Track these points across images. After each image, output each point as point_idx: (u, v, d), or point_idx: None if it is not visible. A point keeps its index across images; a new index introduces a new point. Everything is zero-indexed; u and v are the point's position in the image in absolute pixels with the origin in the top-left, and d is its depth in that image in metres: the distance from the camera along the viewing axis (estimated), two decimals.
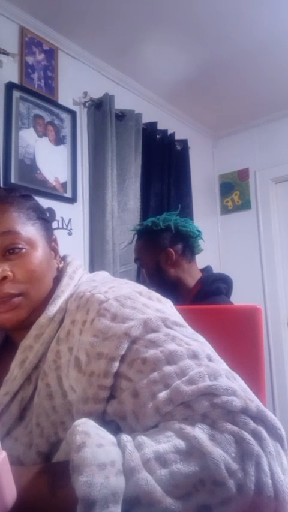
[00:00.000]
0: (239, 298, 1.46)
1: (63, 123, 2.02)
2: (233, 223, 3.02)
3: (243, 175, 3.00)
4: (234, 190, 3.04)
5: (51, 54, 2.00)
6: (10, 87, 1.80)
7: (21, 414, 0.62)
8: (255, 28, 2.03)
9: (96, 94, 2.13)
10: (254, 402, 0.48)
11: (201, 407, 0.48)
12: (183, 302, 1.44)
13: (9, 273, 0.64)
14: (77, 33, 2.04)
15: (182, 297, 1.47)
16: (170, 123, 2.61)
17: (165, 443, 0.44)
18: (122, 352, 0.54)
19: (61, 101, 2.02)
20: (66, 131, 2.03)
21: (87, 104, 2.14)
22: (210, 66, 2.32)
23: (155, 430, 0.48)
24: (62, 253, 0.77)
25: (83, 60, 2.17)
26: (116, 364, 0.54)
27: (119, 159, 2.14)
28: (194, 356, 0.53)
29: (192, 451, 0.44)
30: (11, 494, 0.43)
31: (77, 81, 2.13)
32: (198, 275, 1.51)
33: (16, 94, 1.82)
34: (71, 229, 1.99)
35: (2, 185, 1.71)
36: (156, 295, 0.66)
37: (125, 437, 0.46)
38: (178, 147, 2.56)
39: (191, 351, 0.54)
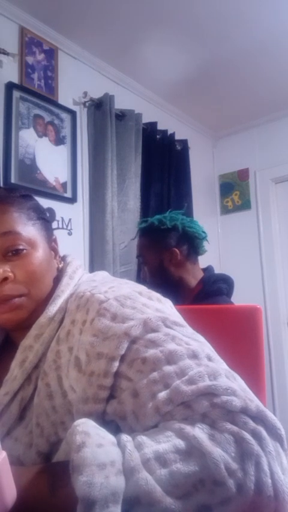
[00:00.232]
0: (239, 298, 1.46)
1: (63, 123, 2.02)
2: (233, 223, 3.02)
3: (243, 175, 3.00)
4: (234, 190, 3.04)
5: (51, 54, 2.00)
6: (10, 87, 1.80)
7: (21, 414, 0.62)
8: (255, 28, 2.03)
9: (96, 94, 2.13)
10: (254, 402, 0.48)
11: (201, 407, 0.48)
12: (184, 302, 1.44)
13: (10, 274, 0.64)
14: (77, 33, 2.04)
15: (183, 297, 1.47)
16: (170, 123, 2.61)
17: (165, 443, 0.44)
18: (122, 352, 0.54)
19: (61, 101, 2.02)
20: (66, 131, 2.03)
21: (87, 104, 2.14)
22: (210, 66, 2.32)
23: (155, 430, 0.48)
24: (62, 253, 0.77)
25: (83, 60, 2.17)
26: (116, 364, 0.54)
27: (119, 159, 2.14)
28: (194, 356, 0.53)
29: (192, 450, 0.44)
30: (11, 494, 0.43)
31: (77, 81, 2.13)
32: (200, 275, 1.51)
33: (16, 94, 1.82)
34: (71, 229, 1.99)
35: (2, 185, 1.71)
36: (156, 295, 0.66)
37: (125, 437, 0.46)
38: (178, 147, 2.56)
39: (191, 350, 0.54)
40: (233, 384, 0.50)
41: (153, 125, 2.40)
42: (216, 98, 2.64)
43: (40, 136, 1.90)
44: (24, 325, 0.66)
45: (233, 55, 2.22)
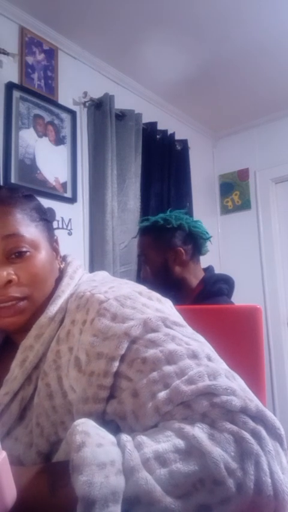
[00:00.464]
0: (239, 298, 1.46)
1: (63, 123, 2.02)
2: (233, 223, 3.02)
3: (243, 175, 3.00)
4: (234, 190, 3.04)
5: (51, 54, 2.00)
6: (10, 87, 1.80)
7: (21, 414, 0.62)
8: (255, 28, 2.03)
9: (96, 94, 2.13)
10: (254, 402, 0.49)
11: (200, 407, 0.48)
12: (185, 302, 1.44)
13: (14, 277, 0.64)
14: (77, 33, 2.04)
15: (184, 297, 1.47)
16: (170, 123, 2.61)
17: (165, 442, 0.45)
18: (122, 352, 0.54)
19: (61, 101, 2.02)
20: (66, 131, 2.03)
21: (87, 104, 2.14)
22: (210, 66, 2.32)
23: (155, 429, 0.48)
24: (62, 253, 0.78)
25: (83, 60, 2.17)
26: (116, 364, 0.54)
27: (119, 159, 2.14)
28: (194, 356, 0.53)
29: (192, 450, 0.44)
30: (11, 494, 0.43)
31: (77, 81, 2.13)
32: (201, 275, 1.51)
33: (16, 94, 1.82)
34: (71, 229, 1.99)
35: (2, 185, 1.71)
36: (156, 295, 0.66)
37: (125, 437, 0.46)
38: (178, 147, 2.56)
39: (191, 350, 0.54)
40: (233, 384, 0.50)
41: (153, 125, 2.40)
42: (216, 98, 2.64)
43: (40, 136, 1.90)
44: (25, 326, 0.66)
45: (233, 55, 2.22)
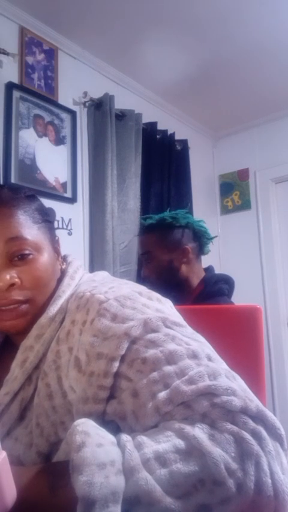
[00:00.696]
0: (239, 298, 1.46)
1: (63, 123, 2.02)
2: (233, 223, 3.02)
3: (243, 175, 3.00)
4: (234, 190, 3.04)
5: (51, 54, 2.00)
6: (10, 87, 1.80)
7: (21, 414, 0.62)
8: (255, 28, 2.03)
9: (96, 94, 2.13)
10: (254, 402, 0.49)
11: (200, 407, 0.48)
12: (185, 302, 1.44)
13: (17, 280, 0.63)
14: (77, 33, 2.04)
15: (184, 296, 1.47)
16: (170, 123, 2.61)
17: (165, 442, 0.44)
18: (122, 352, 0.54)
19: (61, 101, 2.02)
20: (66, 131, 2.03)
21: (87, 104, 2.14)
22: (211, 66, 2.32)
23: (155, 429, 0.48)
24: (62, 253, 0.77)
25: (83, 60, 2.17)
26: (116, 364, 0.54)
27: (119, 159, 2.14)
28: (194, 356, 0.53)
29: (192, 450, 0.44)
30: (11, 494, 0.43)
31: (77, 81, 2.13)
32: (202, 275, 1.51)
33: (16, 94, 1.82)
34: (71, 229, 1.99)
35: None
36: (156, 295, 0.66)
37: (125, 437, 0.46)
38: (178, 147, 2.56)
39: (191, 350, 0.54)
40: (233, 384, 0.50)
41: (153, 124, 2.40)
42: (216, 98, 2.64)
43: (40, 136, 1.90)
44: (26, 327, 0.66)
45: (233, 55, 2.22)
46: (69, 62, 2.11)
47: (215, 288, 1.43)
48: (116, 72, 2.32)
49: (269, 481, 0.43)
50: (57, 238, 0.76)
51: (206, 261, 1.65)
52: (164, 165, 2.43)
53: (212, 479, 0.42)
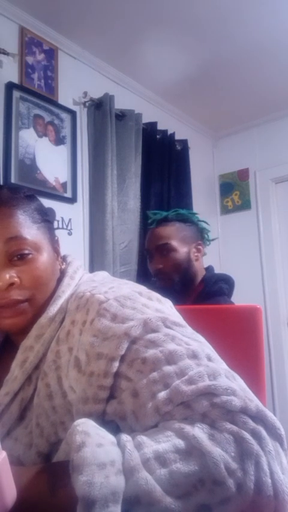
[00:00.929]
0: (239, 298, 1.46)
1: (63, 123, 2.02)
2: (233, 223, 3.02)
3: (243, 175, 3.00)
4: (234, 190, 3.03)
5: (51, 54, 2.00)
6: (10, 87, 1.80)
7: (21, 414, 0.62)
8: (255, 28, 2.03)
9: (96, 94, 2.13)
10: (254, 402, 0.49)
11: (200, 407, 0.48)
12: (185, 301, 1.44)
13: (16, 279, 0.64)
14: (77, 33, 2.04)
15: (184, 296, 1.47)
16: (170, 123, 2.61)
17: (165, 442, 0.45)
18: (122, 352, 0.54)
19: (61, 101, 2.02)
20: (66, 131, 2.03)
21: (87, 104, 2.14)
22: (210, 66, 2.32)
23: (155, 429, 0.48)
24: (62, 253, 0.77)
25: (83, 60, 2.17)
26: (116, 364, 0.54)
27: (119, 159, 2.14)
28: (194, 356, 0.53)
29: (192, 450, 0.44)
30: (11, 494, 0.43)
31: (77, 81, 2.13)
32: (203, 273, 1.52)
33: (16, 94, 1.82)
34: (71, 229, 1.99)
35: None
36: (156, 295, 0.66)
37: (125, 437, 0.46)
38: (178, 147, 2.56)
39: (191, 350, 0.54)
40: (233, 384, 0.50)
41: (153, 124, 2.40)
42: (216, 98, 2.64)
43: (40, 136, 1.90)
44: (26, 327, 0.66)
45: (233, 55, 2.22)
46: (69, 62, 2.11)
47: (215, 288, 1.43)
48: (116, 72, 2.32)
49: (269, 480, 0.43)
50: (56, 238, 0.76)
51: (206, 261, 1.65)
52: (164, 165, 2.43)
53: (212, 479, 0.42)
